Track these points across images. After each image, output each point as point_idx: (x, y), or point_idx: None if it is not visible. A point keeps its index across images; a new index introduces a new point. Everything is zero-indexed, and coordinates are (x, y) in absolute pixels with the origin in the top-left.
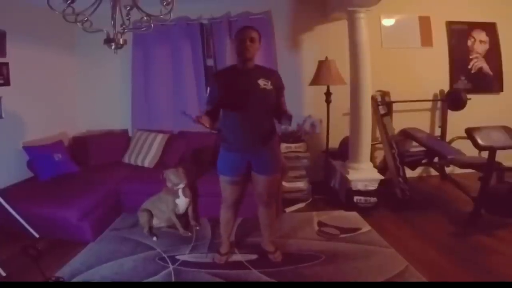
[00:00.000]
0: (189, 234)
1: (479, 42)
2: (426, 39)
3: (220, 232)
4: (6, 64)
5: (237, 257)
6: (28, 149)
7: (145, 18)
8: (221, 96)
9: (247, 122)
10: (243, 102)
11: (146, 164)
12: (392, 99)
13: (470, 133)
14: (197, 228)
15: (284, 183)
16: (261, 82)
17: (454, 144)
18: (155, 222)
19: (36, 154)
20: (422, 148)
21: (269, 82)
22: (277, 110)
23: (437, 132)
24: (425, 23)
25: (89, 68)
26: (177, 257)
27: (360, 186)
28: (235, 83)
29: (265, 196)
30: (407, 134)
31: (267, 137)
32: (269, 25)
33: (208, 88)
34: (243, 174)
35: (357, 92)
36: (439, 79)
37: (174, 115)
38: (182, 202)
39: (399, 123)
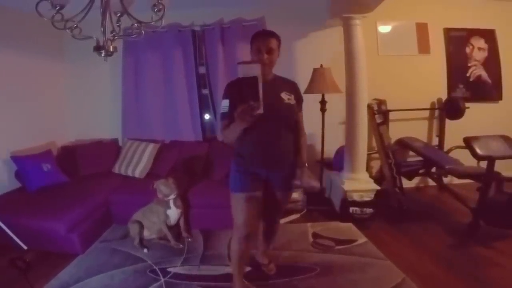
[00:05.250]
0: (181, 246)
1: (477, 49)
2: (424, 46)
3: (231, 270)
4: None
5: (230, 269)
6: (16, 159)
7: (136, 24)
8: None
9: (269, 139)
10: (267, 117)
11: (136, 175)
12: (389, 107)
13: (468, 143)
14: (189, 239)
15: None
16: (285, 96)
17: (452, 154)
18: (146, 233)
19: (24, 164)
20: (420, 158)
21: (292, 96)
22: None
23: (435, 141)
24: (422, 29)
25: (78, 76)
26: (169, 269)
27: (356, 197)
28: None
29: (278, 213)
30: (404, 144)
31: (290, 152)
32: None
33: (224, 101)
34: (261, 190)
35: (353, 101)
36: (436, 87)
37: (166, 124)
38: (173, 213)
39: (395, 132)
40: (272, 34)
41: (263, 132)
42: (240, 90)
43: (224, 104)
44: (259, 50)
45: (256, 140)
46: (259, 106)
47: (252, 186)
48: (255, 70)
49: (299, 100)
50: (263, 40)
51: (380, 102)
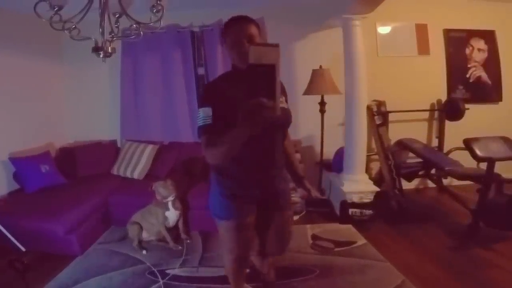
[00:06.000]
0: (180, 247)
1: (477, 51)
2: (423, 47)
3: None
4: None
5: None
6: (14, 160)
7: (135, 25)
8: (225, 118)
9: (264, 154)
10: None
11: (135, 176)
12: (388, 108)
13: (468, 144)
14: (188, 241)
15: None
16: None
17: (452, 155)
18: (145, 235)
19: (23, 166)
20: (419, 159)
21: (283, 98)
22: None
23: (434, 142)
24: (422, 30)
25: (76, 77)
26: (167, 271)
27: (355, 199)
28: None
29: (282, 242)
30: (403, 145)
31: (282, 164)
32: (261, 32)
33: (204, 110)
34: (253, 213)
35: (352, 102)
36: (436, 88)
37: (164, 125)
38: (172, 214)
39: (395, 133)
40: (250, 19)
41: (256, 146)
42: (220, 98)
43: (205, 113)
44: (237, 41)
45: (247, 157)
46: (275, 105)
47: (243, 212)
48: (272, 55)
49: (286, 101)
50: (240, 26)
51: (380, 103)
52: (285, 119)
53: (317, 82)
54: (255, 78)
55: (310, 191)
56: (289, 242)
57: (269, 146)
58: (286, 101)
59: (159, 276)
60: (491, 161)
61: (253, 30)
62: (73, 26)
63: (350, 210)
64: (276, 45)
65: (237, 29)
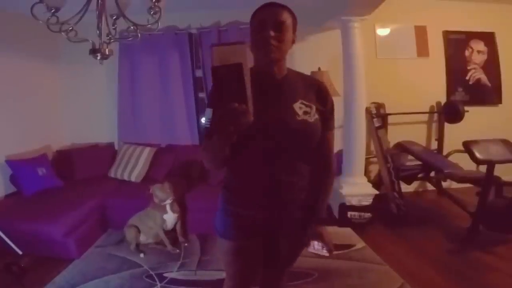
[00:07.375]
0: (177, 250)
1: (477, 52)
2: (423, 49)
3: None
4: None
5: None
6: (11, 163)
7: (132, 27)
8: None
9: (272, 172)
10: (269, 139)
11: (133, 179)
12: (387, 111)
13: (467, 147)
14: (186, 244)
15: None
16: (300, 107)
17: (451, 158)
18: (142, 238)
19: (19, 168)
20: (418, 162)
21: (313, 108)
22: (315, 152)
23: (434, 145)
24: (421, 32)
25: (74, 79)
26: (165, 274)
27: (354, 201)
28: (255, 104)
29: (281, 272)
30: (402, 148)
31: (303, 191)
32: (296, 25)
33: (206, 111)
34: (258, 236)
35: (351, 104)
36: (435, 90)
37: (162, 127)
38: (170, 217)
39: (394, 136)
40: (284, 6)
41: (263, 160)
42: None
43: (207, 115)
44: (262, 24)
45: (251, 172)
46: (246, 110)
47: (245, 232)
48: (239, 54)
49: (327, 112)
50: (268, 11)
51: (379, 106)
52: (302, 135)
53: None
54: (222, 81)
55: (319, 243)
56: (285, 277)
57: (278, 164)
58: (319, 111)
59: (157, 280)
60: (490, 164)
61: (285, 17)
62: (70, 28)
63: (349, 213)
64: (242, 43)
65: (262, 15)
